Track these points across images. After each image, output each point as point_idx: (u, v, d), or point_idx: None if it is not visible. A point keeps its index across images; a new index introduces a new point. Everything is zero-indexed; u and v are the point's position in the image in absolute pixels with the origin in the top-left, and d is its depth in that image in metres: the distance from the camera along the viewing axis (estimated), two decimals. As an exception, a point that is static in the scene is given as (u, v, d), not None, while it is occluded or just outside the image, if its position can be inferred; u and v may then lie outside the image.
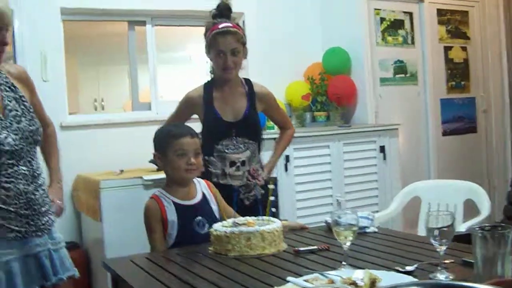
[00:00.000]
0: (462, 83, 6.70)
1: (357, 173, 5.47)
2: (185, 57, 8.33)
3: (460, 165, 6.49)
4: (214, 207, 3.07)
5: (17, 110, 2.67)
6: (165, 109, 5.49)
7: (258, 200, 3.27)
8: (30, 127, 2.69)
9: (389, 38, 6.16)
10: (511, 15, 6.99)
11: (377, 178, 5.58)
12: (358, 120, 6.04)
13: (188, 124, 3.29)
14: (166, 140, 3.01)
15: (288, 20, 6.12)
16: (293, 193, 5.14)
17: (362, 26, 5.98)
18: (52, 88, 4.89)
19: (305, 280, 2.03)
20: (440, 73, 6.51)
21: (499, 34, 6.93)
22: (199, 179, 3.17)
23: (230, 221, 2.73)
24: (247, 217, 2.81)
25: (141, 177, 4.46)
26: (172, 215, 2.94)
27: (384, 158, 5.58)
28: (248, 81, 3.59)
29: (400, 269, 2.17)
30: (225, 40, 3.37)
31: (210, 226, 2.91)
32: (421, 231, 3.85)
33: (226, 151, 3.38)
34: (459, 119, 6.65)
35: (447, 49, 6.58)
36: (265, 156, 3.66)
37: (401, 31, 6.24)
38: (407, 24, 6.29)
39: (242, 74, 3.61)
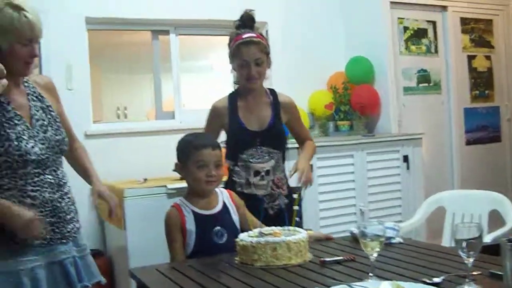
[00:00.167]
0: (486, 92, 6.66)
1: (381, 183, 5.46)
2: (207, 66, 8.36)
3: (484, 175, 6.44)
4: (235, 217, 3.06)
5: (44, 120, 2.70)
6: (188, 118, 5.54)
7: (282, 210, 3.26)
8: (57, 137, 2.72)
9: (413, 47, 6.14)
10: (535, 24, 6.95)
11: (400, 187, 5.55)
12: (381, 130, 6.02)
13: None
14: (187, 151, 3.01)
15: (311, 30, 6.13)
16: (317, 203, 5.13)
17: (385, 35, 5.97)
18: (76, 97, 4.94)
19: (332, 291, 2.03)
20: (463, 82, 6.48)
21: (524, 42, 6.89)
22: (221, 189, 3.17)
23: (256, 231, 2.73)
24: (273, 227, 2.80)
25: (165, 186, 4.48)
26: (190, 224, 2.94)
27: (408, 167, 5.56)
28: (272, 91, 3.59)
29: (428, 281, 2.15)
30: (248, 50, 3.37)
31: (230, 236, 2.93)
32: (446, 242, 3.83)
33: (251, 160, 3.38)
34: (483, 128, 6.60)
35: (470, 58, 6.55)
36: (289, 165, 3.65)
37: (424, 40, 6.22)
38: (430, 33, 6.27)
39: (265, 84, 3.61)
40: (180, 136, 3.20)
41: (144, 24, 5.61)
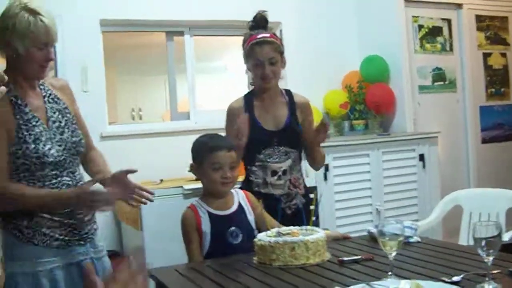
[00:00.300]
0: (502, 89, 6.63)
1: (397, 182, 5.45)
2: (221, 66, 8.37)
3: (500, 173, 6.40)
4: (251, 217, 3.06)
5: (60, 122, 2.72)
6: (203, 119, 5.55)
7: (300, 209, 3.26)
8: (73, 138, 2.73)
9: (428, 45, 6.13)
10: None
11: (416, 186, 5.54)
12: (396, 128, 6.01)
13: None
14: (203, 153, 3.01)
15: (325, 29, 6.12)
16: (333, 202, 5.14)
17: (400, 34, 5.95)
18: (92, 98, 4.95)
19: (352, 291, 2.03)
20: (479, 80, 6.45)
21: (540, 39, 6.85)
22: (237, 189, 3.18)
23: (274, 230, 2.73)
24: (291, 227, 2.81)
25: (181, 187, 4.49)
26: (206, 225, 2.95)
27: (424, 166, 5.55)
28: (288, 92, 3.59)
29: (447, 280, 2.15)
30: (262, 49, 3.37)
31: (245, 236, 2.94)
32: (463, 241, 3.82)
33: (268, 160, 3.38)
34: (499, 126, 6.57)
35: (486, 55, 6.52)
36: (306, 165, 3.65)
37: (439, 38, 6.20)
38: (445, 31, 6.25)
39: (280, 84, 3.61)
40: (195, 136, 3.20)
41: (159, 25, 5.63)
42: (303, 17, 6.03)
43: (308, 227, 2.77)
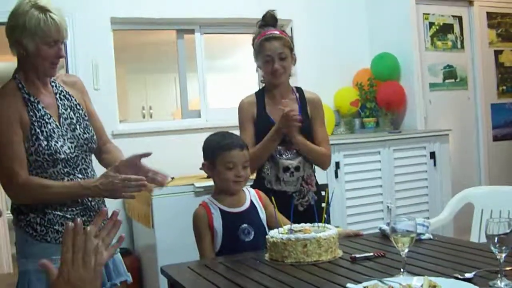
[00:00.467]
0: (513, 87, 6.62)
1: (408, 180, 5.45)
2: (232, 64, 8.38)
3: (511, 171, 6.38)
4: (262, 215, 3.07)
5: (72, 118, 2.73)
6: (214, 117, 5.56)
7: (312, 206, 3.25)
8: (85, 135, 2.74)
9: (438, 43, 6.11)
10: None
11: (427, 184, 5.53)
12: (407, 126, 6.00)
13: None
14: (216, 151, 3.01)
15: (336, 27, 6.12)
16: (344, 200, 5.14)
17: (410, 31, 5.94)
18: (103, 96, 4.97)
19: (364, 287, 2.02)
20: (490, 77, 6.43)
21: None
22: (249, 188, 3.18)
23: (286, 227, 2.73)
24: (303, 224, 2.81)
25: (192, 184, 4.50)
26: (217, 222, 2.95)
27: (435, 164, 5.53)
28: (299, 89, 3.60)
29: (459, 276, 2.14)
30: (271, 45, 3.39)
31: (256, 234, 2.95)
32: (474, 238, 3.81)
33: (279, 156, 3.39)
34: (510, 124, 6.55)
35: (497, 53, 6.49)
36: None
37: (450, 36, 6.19)
38: (456, 28, 6.23)
39: (291, 82, 3.62)
40: (206, 134, 3.20)
41: (169, 23, 5.63)
42: (313, 15, 6.02)
43: (320, 224, 2.77)
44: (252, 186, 3.32)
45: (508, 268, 2.15)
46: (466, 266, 2.32)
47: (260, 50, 3.43)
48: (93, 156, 2.90)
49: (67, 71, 4.97)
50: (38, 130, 2.59)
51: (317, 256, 2.55)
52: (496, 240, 2.05)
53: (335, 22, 6.12)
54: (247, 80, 6.18)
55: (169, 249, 4.30)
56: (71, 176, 2.66)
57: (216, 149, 3.01)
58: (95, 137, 2.83)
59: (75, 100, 2.81)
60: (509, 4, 6.54)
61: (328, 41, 6.05)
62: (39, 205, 2.61)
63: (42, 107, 2.64)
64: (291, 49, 3.46)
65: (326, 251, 2.56)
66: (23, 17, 2.55)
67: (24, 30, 2.55)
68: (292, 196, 3.33)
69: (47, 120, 2.63)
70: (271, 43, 3.39)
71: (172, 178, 4.81)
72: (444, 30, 6.16)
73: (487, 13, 6.41)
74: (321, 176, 3.86)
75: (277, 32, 3.43)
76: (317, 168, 3.59)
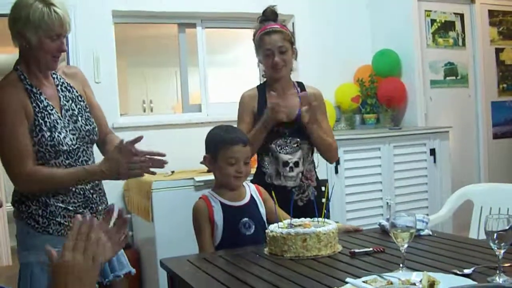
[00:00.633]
0: (514, 85, 6.62)
1: (407, 176, 5.45)
2: (233, 59, 8.37)
3: (511, 169, 6.39)
4: (262, 210, 3.07)
5: (73, 110, 2.74)
6: (215, 111, 5.56)
7: (312, 201, 3.26)
8: (87, 127, 2.75)
9: (440, 40, 6.11)
10: None
11: (427, 181, 5.54)
12: (408, 123, 6.01)
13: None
14: (218, 146, 3.00)
15: (338, 23, 6.11)
16: (343, 196, 5.14)
17: (412, 28, 5.94)
18: (104, 89, 4.95)
19: (364, 282, 2.03)
20: (491, 75, 6.43)
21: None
22: (248, 183, 3.19)
23: (286, 222, 2.73)
24: (303, 219, 2.82)
25: (192, 178, 4.50)
26: (218, 216, 2.95)
27: (435, 161, 5.54)
28: (300, 84, 3.60)
29: (458, 272, 2.15)
30: (271, 39, 3.39)
31: (257, 228, 2.95)
32: (473, 235, 3.81)
33: (279, 151, 3.39)
34: (511, 122, 6.55)
35: (498, 51, 6.50)
36: (319, 157, 3.64)
37: (451, 33, 6.19)
38: (458, 26, 6.23)
39: (292, 77, 3.62)
40: (206, 129, 3.20)
41: (171, 17, 5.63)
42: (315, 11, 6.02)
43: (320, 219, 2.77)
44: (252, 181, 3.33)
45: (506, 265, 2.16)
46: (465, 262, 2.32)
47: (260, 44, 3.44)
48: (94, 148, 2.91)
49: (68, 63, 4.97)
50: (41, 121, 2.60)
51: (316, 251, 2.55)
52: (495, 237, 2.06)
53: (337, 18, 6.12)
54: (248, 74, 6.19)
55: (169, 242, 4.31)
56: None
57: (219, 143, 3.00)
58: (96, 129, 2.84)
59: (77, 91, 2.81)
60: (511, 2, 6.54)
61: (329, 37, 6.05)
62: (41, 197, 2.62)
63: (45, 98, 2.65)
64: (292, 43, 3.46)
65: (325, 246, 2.57)
66: (27, 9, 2.55)
67: (27, 23, 2.55)
68: (292, 191, 3.34)
69: (49, 111, 2.63)
70: (271, 36, 3.39)
71: (172, 172, 4.82)
72: (445, 27, 6.16)
73: (489, 11, 6.42)
74: (321, 171, 3.86)
75: (277, 26, 3.44)
76: (318, 164, 3.59)
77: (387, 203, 5.28)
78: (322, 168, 4.23)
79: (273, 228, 2.67)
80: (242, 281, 2.25)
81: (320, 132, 3.44)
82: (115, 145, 2.69)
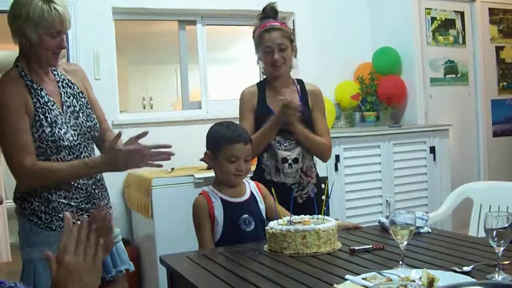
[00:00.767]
0: (514, 83, 6.62)
1: (407, 174, 5.45)
2: (233, 56, 8.37)
3: (510, 167, 6.39)
4: (262, 206, 3.09)
5: (75, 106, 2.74)
6: (215, 108, 5.56)
7: (311, 198, 3.26)
8: (88, 123, 2.76)
9: (440, 38, 6.11)
10: None
11: (427, 179, 5.54)
12: (407, 121, 6.01)
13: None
14: (219, 143, 3.01)
15: (338, 20, 6.11)
16: (343, 193, 5.14)
17: (412, 26, 5.94)
18: (104, 86, 4.96)
19: (363, 279, 2.03)
20: (491, 73, 6.43)
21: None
22: (248, 180, 3.19)
23: (285, 219, 2.74)
24: (302, 216, 2.82)
25: (192, 175, 4.50)
26: (218, 211, 2.96)
27: (434, 159, 5.54)
28: (300, 81, 3.61)
29: (457, 269, 2.16)
30: (270, 36, 3.40)
31: (257, 224, 2.97)
32: (472, 233, 3.82)
33: (278, 147, 3.39)
34: (510, 120, 6.55)
35: (498, 49, 6.49)
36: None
37: (452, 31, 6.18)
38: (458, 24, 6.23)
39: (292, 74, 3.63)
40: (206, 126, 3.21)
41: (171, 14, 5.63)
42: (316, 8, 6.02)
43: (320, 216, 2.77)
44: (252, 178, 3.33)
45: (506, 262, 2.16)
46: (464, 260, 2.33)
47: (259, 41, 3.45)
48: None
49: (68, 60, 4.96)
50: (42, 117, 2.60)
51: (316, 248, 2.56)
52: (494, 234, 2.06)
53: (337, 16, 6.12)
54: (248, 72, 6.18)
55: (168, 239, 4.31)
56: None
57: (221, 141, 3.01)
58: (97, 125, 2.85)
59: (78, 88, 2.82)
60: (511, 0, 6.53)
61: (329, 34, 6.05)
62: (43, 193, 2.63)
63: (46, 94, 2.65)
64: (291, 41, 3.47)
65: (325, 243, 2.57)
66: (27, 7, 2.55)
67: (27, 20, 2.55)
68: (291, 188, 3.34)
69: (50, 107, 2.64)
70: (271, 34, 3.40)
71: (172, 169, 4.82)
72: (446, 25, 6.15)
73: (489, 9, 6.41)
74: (321, 169, 3.87)
75: (277, 24, 3.45)
76: (317, 161, 3.60)
77: (387, 200, 5.28)
78: (322, 166, 4.23)
79: (273, 225, 2.67)
80: (242, 278, 2.26)
81: (305, 132, 3.43)
82: (113, 137, 2.69)
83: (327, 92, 4.73)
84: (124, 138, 2.71)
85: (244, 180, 3.12)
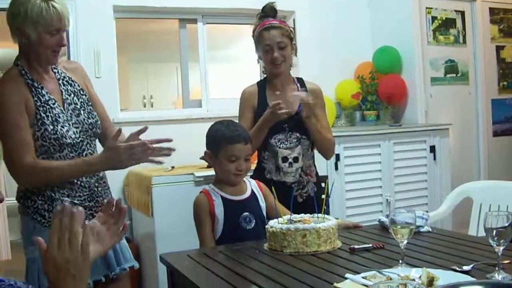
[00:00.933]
0: (514, 83, 6.62)
1: (407, 173, 5.45)
2: (234, 55, 8.36)
3: (510, 166, 6.39)
4: (263, 204, 3.10)
5: (76, 104, 2.75)
6: (215, 107, 5.56)
7: (311, 197, 3.27)
8: (89, 120, 2.76)
9: (441, 37, 6.11)
10: None
11: (427, 178, 5.54)
12: (408, 120, 6.01)
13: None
14: (220, 143, 3.02)
15: (339, 19, 6.11)
16: (343, 192, 5.14)
17: (413, 25, 5.94)
18: (104, 84, 4.94)
19: (363, 277, 2.03)
20: (491, 73, 6.43)
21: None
22: (249, 178, 3.20)
23: (285, 218, 2.74)
24: (302, 214, 2.82)
25: (192, 174, 4.50)
26: (219, 209, 2.97)
27: (434, 158, 5.54)
28: (300, 79, 3.62)
29: (457, 269, 2.16)
30: (269, 34, 3.41)
31: (257, 222, 2.98)
32: (472, 232, 3.82)
33: (279, 145, 3.40)
34: (511, 119, 6.55)
35: (499, 48, 6.49)
36: (318, 154, 3.65)
37: (452, 30, 6.18)
38: (458, 23, 6.23)
39: (293, 73, 3.63)
40: (207, 124, 3.21)
41: (172, 12, 5.62)
42: (316, 7, 6.02)
43: (320, 215, 2.78)
44: (252, 177, 3.34)
45: (505, 261, 2.16)
46: (464, 259, 2.33)
47: (259, 40, 3.46)
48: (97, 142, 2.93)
49: (68, 58, 4.97)
50: (43, 115, 2.60)
51: (316, 247, 2.56)
52: (494, 233, 2.06)
53: (338, 15, 6.12)
54: (248, 70, 6.18)
55: (168, 237, 4.31)
56: None
57: (221, 140, 3.02)
58: (99, 122, 2.85)
59: (78, 85, 2.83)
60: (512, 0, 6.55)
61: (330, 33, 6.05)
62: (46, 192, 2.63)
63: (46, 92, 2.65)
64: (291, 39, 3.48)
65: (325, 241, 2.58)
66: (25, 5, 2.55)
67: (26, 18, 2.55)
68: (291, 187, 3.34)
69: (51, 105, 2.64)
70: (270, 32, 3.41)
71: (172, 167, 4.82)
72: (446, 24, 6.15)
73: (490, 8, 6.41)
74: (321, 168, 3.87)
75: (276, 22, 3.46)
76: (317, 160, 3.60)
77: (387, 199, 5.28)
78: (322, 165, 4.23)
79: (273, 224, 2.67)
80: (242, 276, 2.26)
81: (318, 126, 3.45)
82: (113, 134, 2.69)
83: (327, 91, 4.73)
84: (126, 137, 2.71)
85: (244, 179, 3.13)
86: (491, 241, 2.08)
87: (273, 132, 3.40)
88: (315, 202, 2.86)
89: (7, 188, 7.22)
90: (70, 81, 2.80)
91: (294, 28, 5.38)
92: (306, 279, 2.16)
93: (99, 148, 2.88)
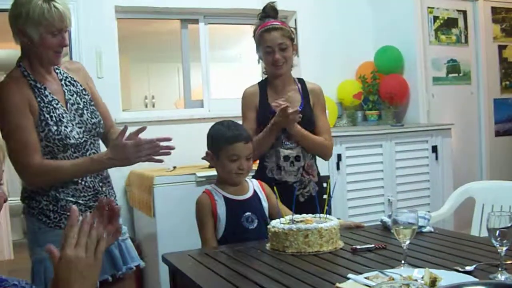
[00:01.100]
0: (517, 83, 6.61)
1: (409, 173, 5.45)
2: (235, 55, 8.37)
3: (513, 166, 6.40)
4: (265, 204, 3.10)
5: (79, 104, 2.75)
6: (217, 107, 5.56)
7: (313, 197, 3.26)
8: (93, 120, 2.77)
9: (442, 37, 6.10)
10: None
11: (429, 178, 5.54)
12: (410, 120, 6.00)
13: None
14: (220, 143, 3.03)
15: (340, 19, 6.10)
16: (345, 192, 5.14)
17: (415, 25, 5.93)
18: (106, 85, 4.95)
19: (365, 278, 2.03)
20: (494, 72, 6.42)
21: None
22: (251, 179, 3.20)
23: (287, 218, 2.74)
24: (305, 214, 2.82)
25: (194, 174, 4.50)
26: (221, 209, 2.98)
27: (436, 158, 5.54)
28: (301, 80, 3.61)
29: (460, 269, 2.15)
30: (271, 36, 3.41)
31: (259, 222, 2.98)
32: (475, 232, 3.82)
33: (280, 145, 3.39)
34: (513, 119, 6.56)
35: (501, 48, 6.48)
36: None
37: (454, 30, 6.18)
38: (460, 23, 6.22)
39: (294, 73, 3.63)
40: (208, 124, 3.21)
41: (173, 13, 5.62)
42: (318, 7, 6.01)
43: (322, 215, 2.78)
44: (254, 177, 3.34)
45: (508, 262, 2.16)
46: (466, 259, 2.33)
47: (260, 41, 3.46)
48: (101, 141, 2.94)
49: (70, 59, 4.97)
50: (47, 116, 2.61)
51: (318, 247, 2.56)
52: (497, 234, 2.06)
53: (340, 15, 6.11)
54: (250, 71, 6.18)
55: (170, 237, 4.32)
56: None
57: (221, 140, 3.02)
58: (102, 121, 2.86)
59: (81, 85, 2.83)
60: (513, -1, 6.54)
61: (332, 33, 6.04)
62: (51, 192, 2.63)
63: (49, 93, 2.66)
64: (292, 40, 3.48)
65: (327, 241, 2.58)
66: (27, 6, 2.56)
67: (27, 19, 2.56)
68: (293, 187, 3.34)
69: (55, 105, 2.64)
70: (271, 33, 3.41)
71: (174, 167, 4.82)
72: (448, 24, 6.14)
73: (492, 8, 6.40)
74: (323, 168, 3.87)
75: (277, 23, 3.45)
76: (318, 159, 3.60)
77: (389, 199, 5.28)
78: (324, 165, 4.23)
79: (275, 224, 2.67)
80: (244, 276, 2.26)
81: (304, 132, 3.42)
82: (119, 132, 2.69)
83: (329, 91, 4.73)
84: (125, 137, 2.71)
85: (246, 179, 3.13)
86: (493, 241, 2.07)
87: None
88: (317, 202, 2.86)
89: (9, 188, 7.23)
90: (72, 81, 2.80)
91: (295, 28, 5.39)
92: (308, 279, 2.16)
93: (102, 148, 2.89)
